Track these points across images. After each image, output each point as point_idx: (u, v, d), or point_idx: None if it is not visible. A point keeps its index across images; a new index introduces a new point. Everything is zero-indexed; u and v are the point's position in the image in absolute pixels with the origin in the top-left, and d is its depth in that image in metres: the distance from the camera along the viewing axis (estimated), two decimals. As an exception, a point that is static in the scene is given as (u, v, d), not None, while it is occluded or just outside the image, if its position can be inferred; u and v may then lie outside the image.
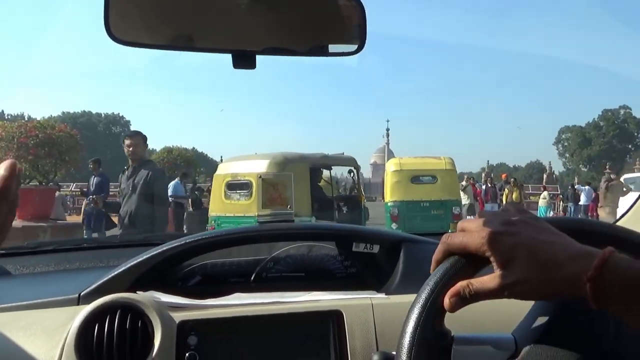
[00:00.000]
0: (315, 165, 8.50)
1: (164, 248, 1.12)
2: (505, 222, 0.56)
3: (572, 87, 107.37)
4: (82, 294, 1.04)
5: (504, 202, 13.92)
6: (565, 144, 60.26)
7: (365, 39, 0.87)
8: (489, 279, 0.55)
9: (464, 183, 13.35)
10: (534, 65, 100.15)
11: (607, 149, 54.08)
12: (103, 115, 62.28)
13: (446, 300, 0.57)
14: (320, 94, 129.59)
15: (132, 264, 1.09)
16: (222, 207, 8.15)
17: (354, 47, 0.88)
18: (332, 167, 9.25)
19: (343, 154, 9.83)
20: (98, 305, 0.93)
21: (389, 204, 9.84)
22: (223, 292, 1.08)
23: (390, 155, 45.18)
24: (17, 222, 9.09)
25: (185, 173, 13.71)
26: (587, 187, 17.86)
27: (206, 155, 58.86)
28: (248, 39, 0.86)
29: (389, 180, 10.02)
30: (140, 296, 0.98)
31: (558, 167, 56.60)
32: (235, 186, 8.07)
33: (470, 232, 0.58)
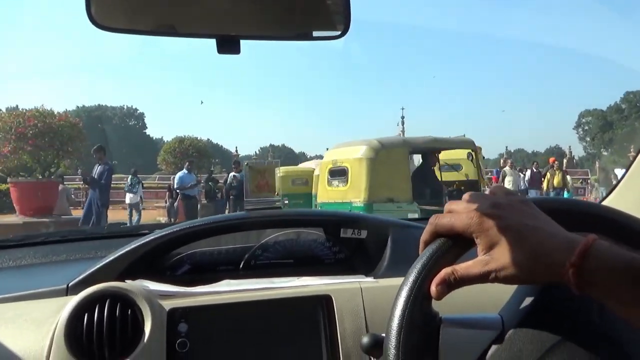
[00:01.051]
0: (420, 149, 8.20)
1: (152, 237, 1.11)
2: (494, 204, 0.56)
3: (592, 70, 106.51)
4: (70, 284, 1.03)
5: (545, 188, 13.86)
6: (586, 127, 59.54)
7: (350, 22, 0.86)
8: (473, 264, 0.55)
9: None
10: (552, 48, 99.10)
11: (629, 132, 52.58)
12: (118, 108, 62.55)
13: (432, 289, 0.57)
14: (334, 83, 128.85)
15: (120, 253, 1.08)
16: (325, 194, 8.39)
17: (339, 31, 0.87)
18: (446, 150, 8.60)
19: (464, 135, 9.53)
20: (87, 295, 0.93)
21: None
22: (212, 280, 1.08)
23: None
24: (17, 218, 8.76)
25: (192, 161, 13.01)
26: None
27: (221, 146, 58.98)
28: (231, 24, 0.85)
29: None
30: (129, 285, 0.97)
31: (578, 151, 55.70)
32: (335, 173, 8.19)
33: (458, 213, 0.58)
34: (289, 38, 0.92)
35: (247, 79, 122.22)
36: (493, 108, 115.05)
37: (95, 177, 8.20)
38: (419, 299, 0.59)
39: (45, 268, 1.34)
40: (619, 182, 1.31)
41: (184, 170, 11.21)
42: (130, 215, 13.58)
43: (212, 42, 0.83)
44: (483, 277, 0.55)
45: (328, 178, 8.26)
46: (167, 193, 14.51)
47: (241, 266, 1.22)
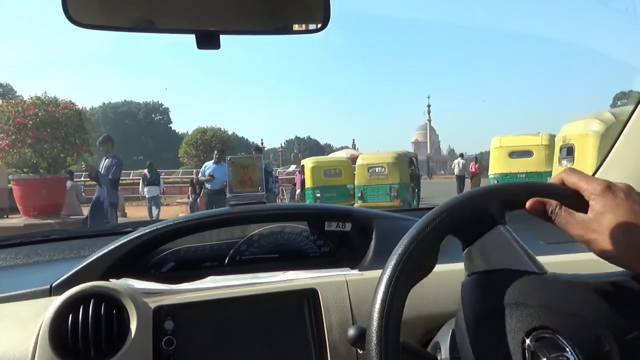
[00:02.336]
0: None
1: (135, 235, 1.11)
2: (619, 184, 0.62)
3: (624, 50, 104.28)
4: (53, 285, 1.03)
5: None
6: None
7: (329, 15, 0.86)
8: (577, 224, 0.62)
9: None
10: (582, 27, 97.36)
11: None
12: (142, 103, 62.40)
13: (530, 202, 0.64)
14: (358, 74, 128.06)
15: (103, 252, 1.08)
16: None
17: (318, 24, 0.87)
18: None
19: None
20: (71, 295, 0.92)
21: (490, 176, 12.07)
22: (197, 276, 1.07)
23: (432, 132, 44.18)
24: (18, 220, 8.07)
25: (221, 150, 11.00)
26: None
27: (246, 139, 58.87)
28: (210, 19, 0.85)
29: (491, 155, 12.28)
30: (113, 284, 0.97)
31: None
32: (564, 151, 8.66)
33: (589, 176, 0.64)
34: (268, 32, 0.91)
35: (272, 73, 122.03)
36: (521, 95, 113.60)
37: (102, 171, 7.11)
38: (399, 289, 0.60)
39: (28, 269, 1.33)
40: (607, 155, 1.30)
41: (212, 162, 9.34)
42: (150, 210, 13.17)
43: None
44: (581, 231, 0.61)
45: (558, 156, 8.36)
46: (190, 188, 14.12)
47: (226, 262, 1.22)
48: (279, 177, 16.41)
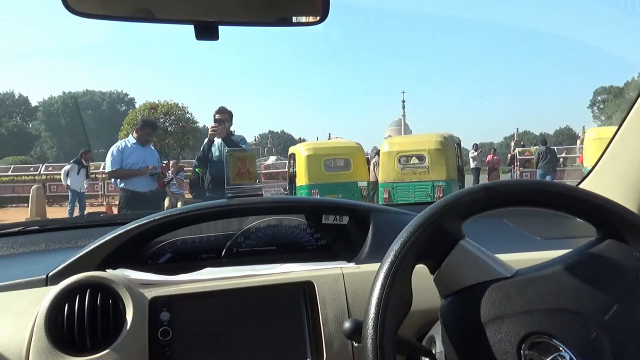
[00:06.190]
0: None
1: (132, 226, 1.11)
2: None
3: (602, 46, 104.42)
4: (50, 274, 1.03)
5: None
6: (602, 106, 56.16)
7: (329, 7, 0.85)
8: None
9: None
10: (556, 24, 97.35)
11: None
12: (107, 93, 59.08)
13: None
14: (330, 66, 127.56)
15: (99, 242, 1.08)
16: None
17: (317, 16, 0.87)
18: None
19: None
20: (67, 285, 0.92)
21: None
22: (194, 268, 1.07)
23: (407, 128, 44.03)
24: None
25: (150, 124, 8.10)
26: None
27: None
28: (209, 10, 0.84)
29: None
30: (109, 274, 0.97)
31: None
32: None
33: None
34: (267, 24, 0.91)
35: (242, 64, 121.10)
36: (499, 88, 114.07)
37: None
38: (396, 283, 0.61)
39: (24, 258, 1.33)
40: (595, 164, 1.33)
41: (126, 142, 5.47)
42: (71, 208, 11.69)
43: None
44: None
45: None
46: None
47: (223, 254, 1.22)
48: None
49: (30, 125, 57.40)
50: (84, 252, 1.06)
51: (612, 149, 1.29)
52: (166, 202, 9.82)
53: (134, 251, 1.14)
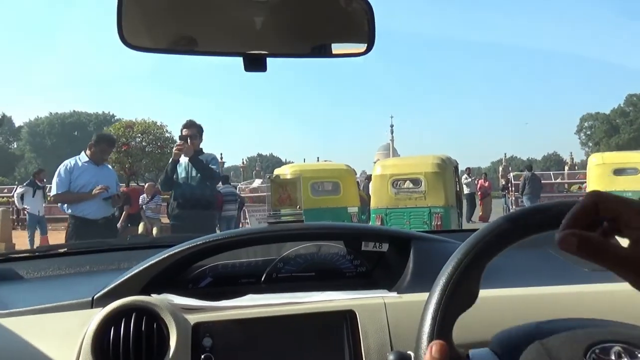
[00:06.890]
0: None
1: (176, 250, 1.12)
2: None
3: (588, 75, 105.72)
4: (95, 297, 1.04)
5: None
6: (588, 132, 56.42)
7: (374, 40, 0.87)
8: (612, 249, 0.50)
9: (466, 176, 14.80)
10: (544, 55, 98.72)
11: (637, 136, 49.89)
12: (93, 114, 59.18)
13: (563, 235, 0.50)
14: (320, 90, 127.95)
15: (144, 266, 1.09)
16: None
17: (362, 48, 0.88)
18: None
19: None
20: (114, 308, 0.94)
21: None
22: (234, 293, 1.08)
23: (395, 152, 44.08)
24: None
25: (108, 140, 8.01)
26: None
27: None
28: (257, 42, 0.86)
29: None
30: (154, 299, 0.98)
31: (580, 157, 50.99)
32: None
33: (627, 199, 0.54)
34: (313, 55, 0.92)
35: (233, 88, 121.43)
36: (485, 114, 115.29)
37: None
38: (447, 316, 0.59)
39: (70, 279, 1.35)
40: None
41: (76, 160, 4.67)
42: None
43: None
44: (613, 265, 0.50)
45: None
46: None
47: (263, 279, 1.23)
48: (242, 195, 12.27)
49: (14, 145, 56.85)
50: (129, 275, 1.08)
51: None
52: (140, 228, 9.52)
53: (175, 275, 1.16)
